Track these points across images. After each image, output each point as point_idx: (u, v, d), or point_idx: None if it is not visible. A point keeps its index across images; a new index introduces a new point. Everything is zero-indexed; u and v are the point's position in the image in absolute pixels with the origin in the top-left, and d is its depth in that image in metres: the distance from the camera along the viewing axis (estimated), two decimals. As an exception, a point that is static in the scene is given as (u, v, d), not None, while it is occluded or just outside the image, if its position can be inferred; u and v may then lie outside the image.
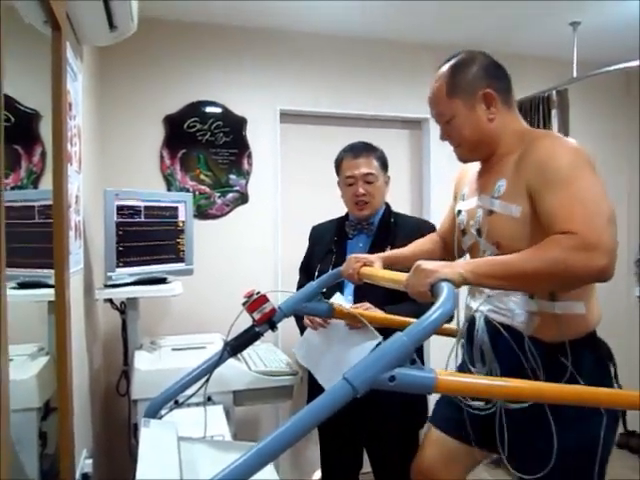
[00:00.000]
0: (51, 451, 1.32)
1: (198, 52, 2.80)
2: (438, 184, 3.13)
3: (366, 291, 1.73)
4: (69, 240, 1.42)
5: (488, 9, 2.64)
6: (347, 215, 2.07)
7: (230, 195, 2.87)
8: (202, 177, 2.83)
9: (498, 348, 1.33)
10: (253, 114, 2.89)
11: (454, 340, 1.39)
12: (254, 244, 2.90)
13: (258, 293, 1.49)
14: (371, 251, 1.83)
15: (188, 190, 2.77)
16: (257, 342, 2.22)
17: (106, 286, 1.99)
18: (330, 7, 2.63)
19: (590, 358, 1.27)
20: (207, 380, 1.43)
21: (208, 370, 1.45)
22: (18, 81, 1.20)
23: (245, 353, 2.17)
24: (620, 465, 3.10)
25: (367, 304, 1.73)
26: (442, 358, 1.39)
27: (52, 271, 1.30)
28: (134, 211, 2.04)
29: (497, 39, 3.01)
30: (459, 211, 1.48)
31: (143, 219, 2.08)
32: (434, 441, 1.51)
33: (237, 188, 2.88)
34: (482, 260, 1.20)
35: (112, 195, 1.97)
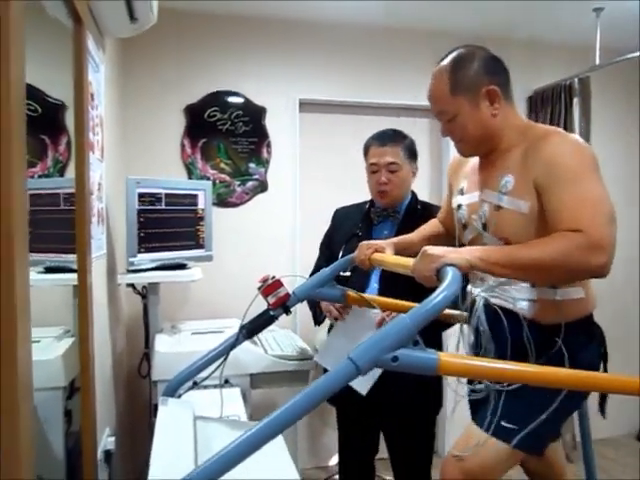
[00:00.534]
0: (76, 429, 1.38)
1: (218, 42, 2.84)
2: (457, 173, 3.12)
3: (392, 280, 1.73)
4: (92, 226, 1.47)
5: (510, -4, 2.62)
6: (372, 201, 2.07)
7: (250, 183, 2.92)
8: (222, 166, 2.88)
9: (495, 330, 1.36)
10: (272, 103, 2.93)
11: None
12: (273, 231, 2.94)
13: (273, 278, 1.54)
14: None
15: (208, 179, 2.82)
16: (275, 327, 2.29)
17: (128, 271, 2.06)
18: (349, -4, 2.63)
19: (583, 339, 1.32)
20: (224, 361, 1.48)
21: (224, 352, 1.50)
22: (45, 73, 1.25)
23: (262, 338, 2.22)
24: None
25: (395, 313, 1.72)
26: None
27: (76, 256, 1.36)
28: (155, 198, 2.10)
29: (519, 26, 2.98)
30: (459, 205, 1.50)
31: (164, 206, 2.13)
32: None
33: (256, 177, 2.93)
34: (490, 247, 1.23)
35: (134, 183, 2.03)
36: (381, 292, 1.85)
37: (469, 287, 1.47)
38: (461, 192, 1.51)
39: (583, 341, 1.33)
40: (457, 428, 1.53)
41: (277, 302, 1.52)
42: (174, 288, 2.56)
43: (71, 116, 1.34)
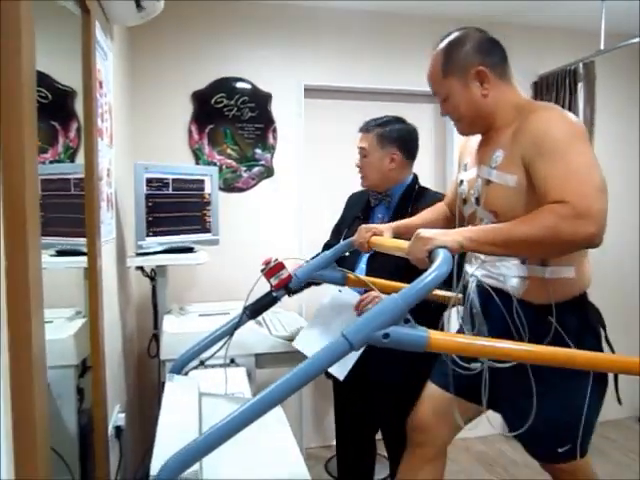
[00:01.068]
0: (88, 406, 1.43)
1: (223, 29, 2.87)
2: (462, 158, 3.14)
3: (378, 262, 1.82)
4: (101, 211, 1.52)
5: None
6: None
7: (256, 169, 2.96)
8: (229, 151, 2.92)
9: (489, 311, 1.40)
10: (278, 89, 2.96)
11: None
12: (278, 216, 2.99)
13: (275, 260, 1.59)
14: (390, 222, 1.88)
15: (215, 164, 2.87)
16: (280, 310, 2.36)
17: (137, 254, 2.11)
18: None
19: (575, 319, 1.34)
20: (228, 340, 1.54)
21: (229, 331, 1.56)
22: (54, 60, 1.29)
23: (267, 319, 2.28)
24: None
25: (374, 292, 1.79)
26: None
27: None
28: (162, 183, 2.15)
29: (523, 11, 2.98)
30: (461, 181, 1.54)
31: (171, 191, 2.18)
32: (430, 395, 1.59)
33: (262, 162, 2.97)
34: (478, 227, 1.26)
35: (142, 168, 2.08)
36: (368, 273, 1.91)
37: (466, 266, 1.51)
38: (465, 168, 1.55)
39: (577, 321, 1.34)
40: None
41: (279, 284, 1.58)
42: (182, 271, 2.62)
43: (81, 102, 1.38)
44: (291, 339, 2.09)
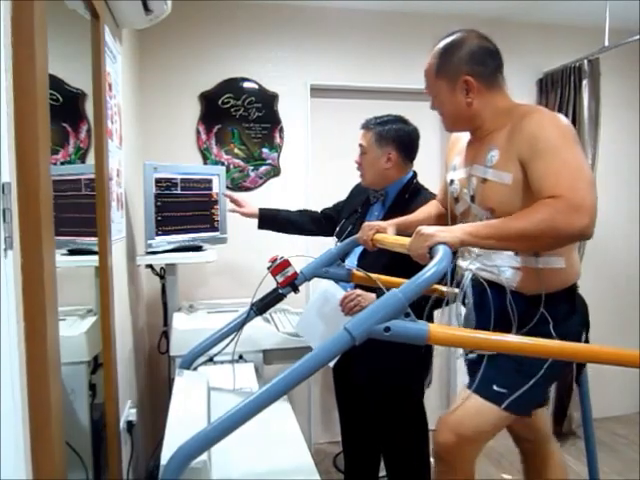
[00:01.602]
0: (100, 401, 1.47)
1: (230, 30, 2.90)
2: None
3: (369, 257, 1.85)
4: (111, 210, 1.56)
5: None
6: None
7: (263, 168, 3.00)
8: (236, 151, 2.96)
9: (482, 303, 1.44)
10: (284, 89, 2.99)
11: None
12: (285, 214, 3.01)
13: (281, 258, 1.62)
14: (385, 220, 1.91)
15: (223, 164, 2.91)
16: (288, 307, 2.39)
17: (147, 253, 2.15)
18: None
19: (564, 309, 1.39)
20: (237, 336, 1.57)
21: (236, 327, 1.59)
22: (65, 63, 1.32)
23: (275, 317, 2.32)
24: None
25: (358, 291, 1.84)
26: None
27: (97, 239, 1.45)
28: (171, 183, 2.19)
29: (528, 8, 2.99)
30: (451, 180, 1.58)
31: (180, 191, 2.23)
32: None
33: (269, 161, 3.00)
34: (477, 223, 1.31)
35: (151, 168, 2.12)
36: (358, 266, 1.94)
37: (459, 261, 1.55)
38: (454, 168, 1.59)
39: (566, 311, 1.40)
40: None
41: (285, 281, 1.61)
42: (191, 269, 2.66)
43: (91, 104, 1.41)
44: (298, 335, 2.12)
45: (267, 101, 2.97)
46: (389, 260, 1.65)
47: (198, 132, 2.90)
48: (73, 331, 1.39)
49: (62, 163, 1.36)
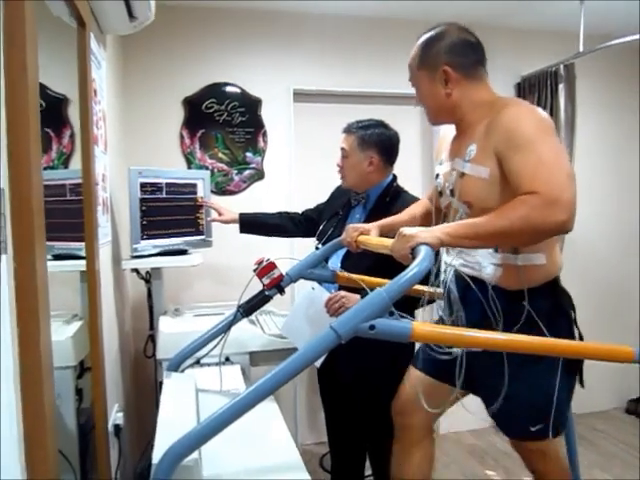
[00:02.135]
0: (86, 406, 1.48)
1: (214, 36, 2.92)
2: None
3: (352, 259, 1.89)
4: (97, 215, 1.57)
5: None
6: None
7: (247, 172, 3.02)
8: (220, 155, 2.98)
9: (467, 298, 1.47)
10: (268, 94, 3.02)
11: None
12: (270, 218, 3.04)
13: (267, 260, 1.65)
14: (367, 222, 1.94)
15: (207, 168, 2.92)
16: (273, 309, 2.41)
17: (132, 257, 2.16)
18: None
19: (547, 304, 1.41)
20: (223, 337, 1.59)
21: (224, 329, 1.61)
22: (47, 68, 1.33)
23: (261, 319, 2.34)
24: (631, 432, 3.22)
25: (343, 292, 1.87)
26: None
27: (83, 243, 1.45)
28: (156, 188, 2.20)
29: (504, 14, 3.06)
30: (437, 174, 1.60)
31: (165, 195, 2.24)
32: (412, 379, 1.65)
33: (253, 165, 3.03)
34: (456, 223, 1.31)
35: (136, 173, 2.13)
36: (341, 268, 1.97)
37: (444, 257, 1.57)
38: (440, 162, 1.61)
39: (549, 305, 1.41)
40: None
41: (271, 283, 1.64)
42: (176, 273, 2.67)
43: (74, 109, 1.42)
44: (284, 337, 2.15)
45: (250, 106, 3.00)
46: (372, 261, 1.68)
47: (182, 137, 2.92)
48: (59, 336, 1.38)
49: (45, 168, 1.35)
